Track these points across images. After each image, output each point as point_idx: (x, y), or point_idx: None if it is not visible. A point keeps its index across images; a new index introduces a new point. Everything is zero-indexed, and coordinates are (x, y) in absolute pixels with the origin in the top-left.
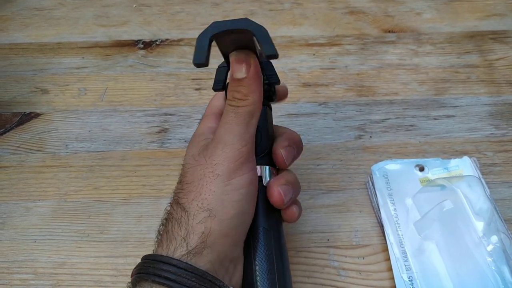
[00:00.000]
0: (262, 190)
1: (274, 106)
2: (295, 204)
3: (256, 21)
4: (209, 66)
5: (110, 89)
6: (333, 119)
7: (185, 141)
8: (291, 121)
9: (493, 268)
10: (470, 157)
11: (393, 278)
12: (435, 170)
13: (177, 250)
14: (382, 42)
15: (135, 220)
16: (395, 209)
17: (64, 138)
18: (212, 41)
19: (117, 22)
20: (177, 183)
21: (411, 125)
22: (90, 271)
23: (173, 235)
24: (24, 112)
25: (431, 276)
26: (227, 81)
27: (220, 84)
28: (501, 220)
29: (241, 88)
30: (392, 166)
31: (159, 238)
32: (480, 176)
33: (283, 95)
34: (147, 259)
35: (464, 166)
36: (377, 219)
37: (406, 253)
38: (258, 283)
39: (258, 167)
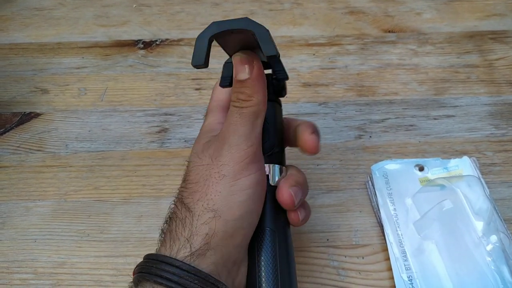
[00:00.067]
0: (269, 190)
1: None
2: (302, 207)
3: (256, 21)
4: (209, 66)
5: (110, 89)
6: (333, 119)
7: (185, 141)
8: None
9: (493, 267)
10: (469, 157)
11: (392, 277)
12: (435, 170)
13: (180, 251)
14: (382, 42)
15: (135, 220)
16: (394, 209)
17: (64, 138)
18: (212, 41)
19: (117, 22)
20: (182, 181)
21: (411, 125)
22: (90, 271)
23: (176, 235)
24: (24, 112)
25: (431, 275)
26: None
27: (228, 80)
28: (501, 220)
29: (245, 89)
30: (391, 166)
31: (163, 237)
32: (480, 176)
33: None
34: (149, 259)
35: (464, 166)
36: (376, 219)
37: (406, 253)
38: (262, 286)
39: (266, 165)
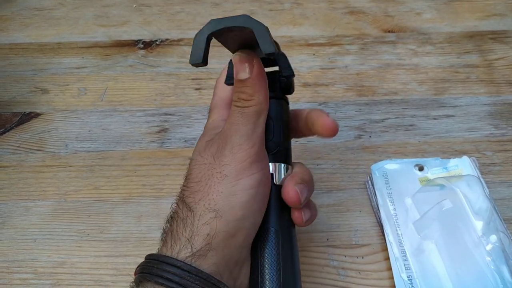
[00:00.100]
0: (274, 189)
1: None
2: (307, 207)
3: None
4: (209, 66)
5: (110, 89)
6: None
7: (185, 140)
8: None
9: (492, 267)
10: (469, 156)
11: (392, 277)
12: (435, 170)
13: (181, 251)
14: (382, 42)
15: (135, 220)
16: (394, 208)
17: (64, 137)
18: (211, 39)
19: (117, 22)
20: (184, 179)
21: (411, 125)
22: (90, 271)
23: (177, 236)
24: (24, 112)
25: (431, 275)
26: None
27: (233, 78)
28: (500, 219)
29: (246, 88)
30: (391, 165)
31: (164, 236)
32: (480, 175)
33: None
34: (151, 259)
35: (464, 165)
36: (376, 218)
37: (406, 253)
38: (265, 287)
39: (271, 164)
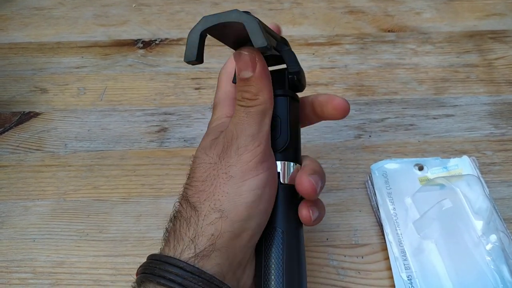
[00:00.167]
0: (282, 189)
1: None
2: (315, 206)
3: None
4: (209, 65)
5: (110, 88)
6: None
7: (185, 140)
8: None
9: (492, 267)
10: (469, 156)
11: (392, 277)
12: (435, 169)
13: (184, 252)
14: (381, 41)
15: (134, 219)
16: (394, 208)
17: (63, 137)
18: (205, 36)
19: (117, 21)
20: (187, 177)
21: (411, 125)
22: (89, 270)
23: (180, 235)
24: (23, 112)
25: (430, 275)
26: None
27: None
28: (500, 219)
29: (250, 87)
30: (391, 165)
31: (167, 236)
32: (480, 175)
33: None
34: (153, 259)
35: (464, 165)
36: (376, 218)
37: (405, 252)
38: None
39: (279, 163)
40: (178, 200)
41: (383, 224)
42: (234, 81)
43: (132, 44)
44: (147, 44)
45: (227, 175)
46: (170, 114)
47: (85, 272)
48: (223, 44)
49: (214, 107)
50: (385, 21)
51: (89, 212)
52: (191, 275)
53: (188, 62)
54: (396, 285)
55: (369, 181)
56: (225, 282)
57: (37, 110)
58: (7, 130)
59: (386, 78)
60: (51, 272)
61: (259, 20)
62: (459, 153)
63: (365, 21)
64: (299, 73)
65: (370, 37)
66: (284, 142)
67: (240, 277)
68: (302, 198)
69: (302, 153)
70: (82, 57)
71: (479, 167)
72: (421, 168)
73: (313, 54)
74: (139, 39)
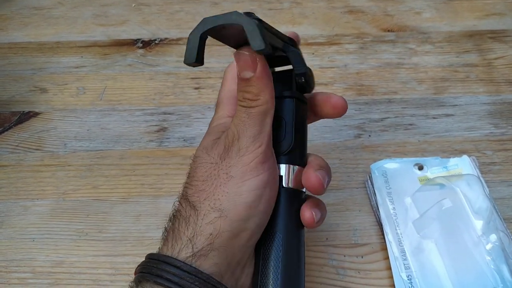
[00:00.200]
0: (284, 192)
1: None
2: (317, 207)
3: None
4: (209, 65)
5: (109, 88)
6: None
7: (184, 140)
8: None
9: (492, 266)
10: (469, 156)
11: (392, 277)
12: (434, 169)
13: (182, 251)
14: (381, 41)
15: (133, 219)
16: (394, 208)
17: (63, 137)
18: (206, 38)
19: (116, 21)
20: (187, 176)
21: (410, 124)
22: (89, 270)
23: (179, 235)
24: (23, 111)
25: (430, 274)
26: None
27: None
28: (500, 219)
29: (250, 88)
30: (391, 165)
31: (165, 235)
32: (479, 175)
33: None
34: (151, 258)
35: (463, 165)
36: (376, 218)
37: (405, 252)
38: None
39: (283, 166)
40: (177, 199)
41: (383, 224)
42: None
43: (132, 43)
44: (147, 44)
45: (228, 175)
46: (169, 113)
47: (85, 272)
48: (222, 44)
49: (217, 105)
50: (385, 21)
51: (88, 211)
52: (188, 274)
53: (188, 64)
54: (395, 284)
55: (369, 181)
56: (223, 282)
57: (37, 110)
58: (6, 130)
59: (386, 77)
60: (51, 272)
61: (259, 21)
62: (459, 152)
63: (364, 20)
64: (306, 74)
65: (369, 36)
66: (288, 145)
67: (239, 276)
68: (303, 202)
69: None
70: (82, 56)
71: (479, 166)
72: (421, 168)
73: (313, 53)
74: (139, 39)
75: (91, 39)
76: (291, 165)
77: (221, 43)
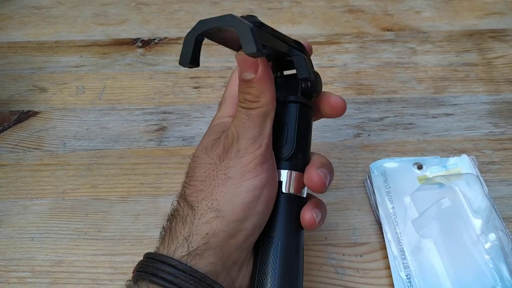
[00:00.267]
0: (283, 197)
1: None
2: (317, 208)
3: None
4: (208, 65)
5: (108, 87)
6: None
7: (183, 139)
8: None
9: (491, 265)
10: (468, 155)
11: (391, 276)
12: (434, 168)
13: (177, 250)
14: (381, 40)
15: (132, 218)
16: (393, 207)
17: (62, 136)
18: (202, 40)
19: (116, 20)
20: (185, 176)
21: (410, 124)
22: (88, 269)
23: (175, 234)
24: (22, 111)
25: (429, 274)
26: None
27: None
28: (499, 218)
29: (251, 89)
30: (390, 164)
31: (163, 234)
32: (479, 174)
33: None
34: (148, 257)
35: (463, 164)
36: (375, 217)
37: (404, 251)
38: None
39: (283, 171)
40: (176, 199)
41: (382, 223)
42: None
43: (131, 43)
44: (146, 43)
45: (226, 176)
46: (169, 113)
47: (84, 271)
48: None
49: (220, 104)
50: (385, 20)
51: (87, 211)
52: (183, 273)
53: (183, 66)
54: (395, 284)
55: (368, 180)
56: (218, 281)
57: (36, 109)
58: (6, 129)
59: (386, 77)
60: (50, 271)
61: (259, 25)
62: (458, 152)
63: (364, 20)
64: (310, 79)
65: (369, 36)
66: (289, 150)
67: (236, 276)
68: (303, 205)
69: None
70: (81, 56)
71: (478, 166)
72: (420, 167)
73: (313, 53)
74: (138, 38)
75: (91, 38)
76: (292, 172)
77: None
